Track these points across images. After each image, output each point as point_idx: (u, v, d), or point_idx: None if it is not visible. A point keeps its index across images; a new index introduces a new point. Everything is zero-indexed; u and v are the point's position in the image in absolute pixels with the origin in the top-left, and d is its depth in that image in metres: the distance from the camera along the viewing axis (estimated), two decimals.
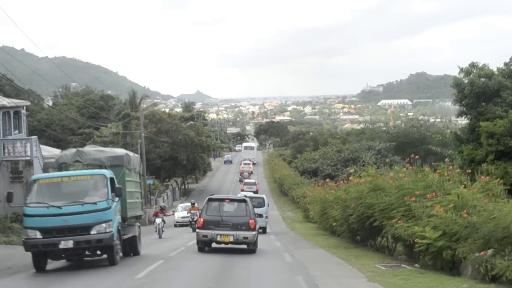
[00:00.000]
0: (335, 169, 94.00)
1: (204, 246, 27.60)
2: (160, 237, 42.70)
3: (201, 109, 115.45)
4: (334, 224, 36.32)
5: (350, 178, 32.87)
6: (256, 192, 75.05)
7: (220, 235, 26.60)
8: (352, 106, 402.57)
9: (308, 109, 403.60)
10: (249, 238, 26.78)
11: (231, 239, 26.66)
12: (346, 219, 30.88)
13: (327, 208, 39.16)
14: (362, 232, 30.14)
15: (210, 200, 27.91)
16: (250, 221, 26.90)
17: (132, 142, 65.09)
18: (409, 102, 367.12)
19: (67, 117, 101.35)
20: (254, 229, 26.99)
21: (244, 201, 27.97)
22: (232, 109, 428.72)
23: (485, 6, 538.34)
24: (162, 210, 46.26)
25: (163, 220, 44.36)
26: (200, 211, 29.75)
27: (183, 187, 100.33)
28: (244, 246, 27.80)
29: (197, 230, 27.27)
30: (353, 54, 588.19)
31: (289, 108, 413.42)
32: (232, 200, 28.31)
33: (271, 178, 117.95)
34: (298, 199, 76.67)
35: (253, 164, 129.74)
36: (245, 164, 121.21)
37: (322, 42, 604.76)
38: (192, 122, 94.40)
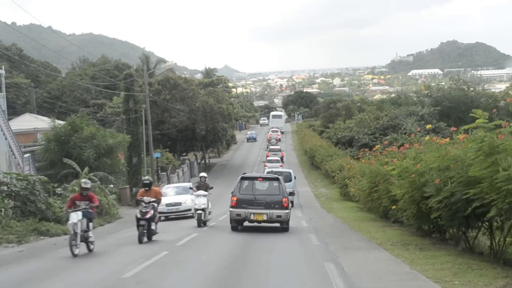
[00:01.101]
0: (372, 138, 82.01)
1: (238, 225, 27.12)
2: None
3: (223, 76, 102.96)
4: (393, 207, 24.65)
5: (427, 138, 21.12)
6: (281, 158, 71.01)
7: (254, 213, 26.01)
8: (382, 77, 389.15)
9: (337, 81, 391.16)
10: (282, 216, 26.09)
11: (265, 217, 26.06)
12: (415, 201, 20.24)
13: (381, 184, 27.35)
14: (451, 221, 18.36)
15: (243, 178, 27.16)
16: (284, 199, 26.22)
17: (136, 108, 53.52)
18: (440, 72, 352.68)
19: (79, 88, 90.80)
20: (287, 208, 26.26)
21: (277, 179, 27.13)
22: (260, 82, 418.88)
23: None
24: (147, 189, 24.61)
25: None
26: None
27: (203, 161, 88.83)
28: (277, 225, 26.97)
29: (231, 209, 26.54)
30: (382, 25, 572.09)
31: (318, 80, 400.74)
32: (265, 179, 27.71)
33: (300, 151, 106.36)
34: (333, 173, 64.97)
35: (281, 133, 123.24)
36: (273, 132, 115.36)
37: (350, 13, 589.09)
38: (211, 88, 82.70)
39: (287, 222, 26.65)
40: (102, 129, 51.98)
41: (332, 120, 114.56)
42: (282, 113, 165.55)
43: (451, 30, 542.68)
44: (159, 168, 63.55)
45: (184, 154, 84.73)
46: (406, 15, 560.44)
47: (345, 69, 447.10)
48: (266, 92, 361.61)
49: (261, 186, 27.22)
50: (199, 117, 78.16)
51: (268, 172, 47.58)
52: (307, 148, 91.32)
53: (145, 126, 54.95)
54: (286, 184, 39.41)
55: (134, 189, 50.67)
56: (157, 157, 60.09)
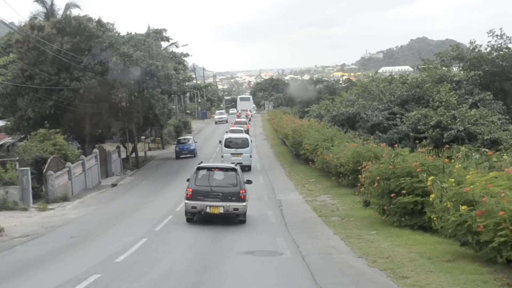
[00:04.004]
0: (387, 115, 51.44)
1: (193, 217, 24.62)
2: None
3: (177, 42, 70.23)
4: None
5: None
6: (247, 131, 64.16)
7: (210, 206, 23.85)
8: (352, 74, 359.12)
9: (306, 78, 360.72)
10: (239, 209, 24.06)
11: (221, 210, 23.88)
12: None
13: None
14: None
15: (198, 168, 24.97)
16: (241, 191, 24.17)
17: None
18: (411, 69, 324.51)
19: None
20: (244, 200, 24.27)
21: (234, 169, 25.10)
22: (227, 80, 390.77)
23: None
24: None
25: None
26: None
27: (133, 154, 56.60)
28: None
29: (186, 201, 24.32)
30: (349, 24, 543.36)
31: (287, 78, 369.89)
32: (221, 169, 25.60)
33: (275, 140, 75.31)
34: (342, 167, 34.23)
35: (250, 117, 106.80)
36: (242, 111, 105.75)
37: (317, 13, 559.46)
38: (141, 37, 50.52)
39: (244, 214, 24.42)
40: None
41: (312, 103, 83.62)
42: (250, 96, 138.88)
43: (420, 28, 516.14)
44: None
45: (99, 143, 52.44)
46: (374, 14, 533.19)
47: (314, 67, 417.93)
48: (234, 88, 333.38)
49: (218, 176, 24.97)
50: (117, 79, 46.30)
51: (226, 139, 47.38)
52: (288, 132, 59.30)
53: None
54: (243, 149, 46.23)
55: None
56: None
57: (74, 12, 53.61)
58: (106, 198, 36.89)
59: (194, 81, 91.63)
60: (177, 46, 68.10)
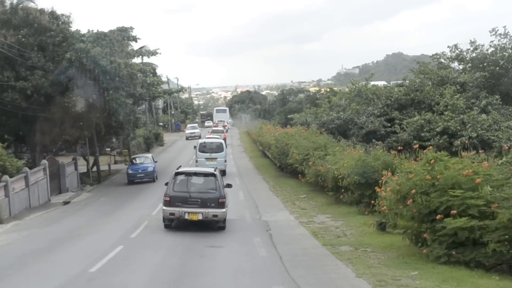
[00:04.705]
0: (384, 121, 44.69)
1: (171, 223, 23.45)
2: None
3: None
4: None
5: None
6: (224, 140, 53.30)
7: (188, 213, 22.59)
8: (328, 89, 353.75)
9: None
10: (218, 216, 22.77)
11: (200, 217, 22.62)
12: None
13: None
14: None
15: (177, 174, 23.62)
16: (220, 197, 22.90)
17: None
18: (387, 84, 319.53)
19: None
20: (224, 206, 22.94)
21: (213, 175, 23.65)
22: (203, 96, 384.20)
23: None
24: None
25: None
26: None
27: (94, 168, 48.84)
28: None
29: (164, 208, 23.07)
30: (326, 40, 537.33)
31: (263, 93, 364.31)
32: (200, 174, 24.10)
33: (254, 152, 68.02)
34: (342, 179, 27.13)
35: (227, 130, 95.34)
36: (219, 121, 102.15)
37: (293, 29, 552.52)
38: (101, 31, 42.97)
39: (224, 221, 23.22)
40: None
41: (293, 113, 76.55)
42: (226, 108, 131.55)
43: (395, 44, 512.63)
44: None
45: (49, 152, 44.60)
46: (350, 30, 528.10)
47: (290, 82, 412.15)
48: (209, 104, 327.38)
49: (197, 182, 23.62)
50: (72, 79, 38.92)
51: (200, 143, 46.28)
52: (270, 141, 51.65)
53: None
54: (218, 154, 44.48)
55: None
56: None
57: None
58: (50, 219, 29.38)
59: (166, 86, 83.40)
60: (148, 55, 60.07)
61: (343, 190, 27.32)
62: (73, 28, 42.58)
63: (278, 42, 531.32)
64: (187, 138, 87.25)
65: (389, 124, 44.20)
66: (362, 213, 26.65)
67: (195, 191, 23.07)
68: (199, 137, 79.73)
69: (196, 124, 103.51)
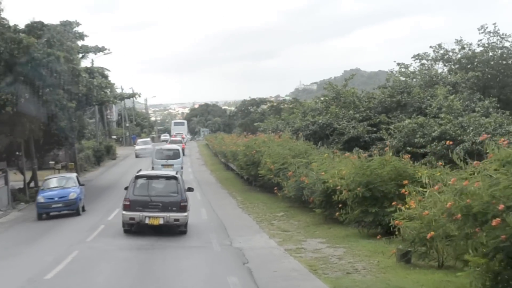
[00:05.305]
0: (368, 126, 38.59)
1: (131, 228, 22.17)
2: None
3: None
4: None
5: None
6: (182, 150, 52.96)
7: (149, 217, 21.56)
8: (293, 99, 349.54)
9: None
10: (180, 220, 21.82)
11: (161, 221, 21.60)
12: None
13: None
14: None
15: (137, 177, 22.68)
16: (182, 201, 21.92)
17: None
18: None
19: None
20: (185, 210, 21.98)
21: (175, 178, 22.83)
22: (161, 112, 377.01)
23: (410, 7, 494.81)
24: None
25: None
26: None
27: (33, 183, 41.21)
28: None
29: (123, 212, 21.94)
30: (283, 56, 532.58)
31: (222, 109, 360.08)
32: (161, 177, 23.45)
33: (215, 165, 61.08)
34: (337, 193, 20.42)
35: (185, 143, 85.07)
36: (177, 133, 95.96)
37: (250, 46, 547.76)
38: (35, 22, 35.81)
39: (185, 225, 22.30)
40: None
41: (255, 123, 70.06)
42: (184, 121, 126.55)
43: (353, 60, 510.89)
44: None
45: None
46: (307, 47, 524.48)
47: (249, 98, 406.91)
48: (167, 120, 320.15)
49: (158, 185, 22.83)
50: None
51: (157, 150, 45.83)
52: (237, 149, 44.30)
53: None
54: (174, 161, 42.95)
55: None
56: None
57: None
58: None
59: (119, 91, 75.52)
60: (94, 51, 52.86)
61: (340, 206, 20.65)
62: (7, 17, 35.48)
63: (236, 59, 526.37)
64: (137, 156, 70.78)
65: (374, 130, 37.99)
66: (365, 236, 20.21)
67: (156, 195, 22.18)
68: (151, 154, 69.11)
69: (149, 139, 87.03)
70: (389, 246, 16.70)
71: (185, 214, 21.97)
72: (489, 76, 44.56)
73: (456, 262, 14.60)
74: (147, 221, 21.53)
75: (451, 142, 25.33)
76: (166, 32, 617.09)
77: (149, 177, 23.14)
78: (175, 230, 21.93)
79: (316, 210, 24.10)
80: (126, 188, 22.61)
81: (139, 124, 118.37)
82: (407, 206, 16.02)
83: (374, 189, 19.63)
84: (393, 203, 16.85)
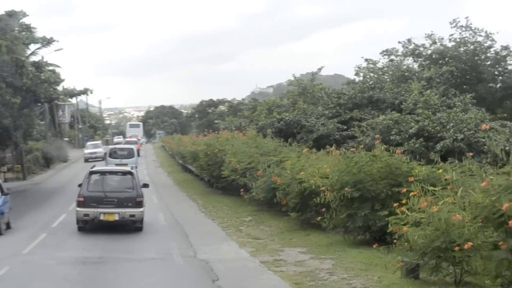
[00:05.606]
0: (338, 123, 35.75)
1: (85, 225, 21.43)
2: None
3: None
4: None
5: None
6: (138, 151, 52.70)
7: (104, 213, 20.98)
8: (252, 99, 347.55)
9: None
10: (136, 216, 21.19)
11: (116, 217, 21.03)
12: None
13: None
14: None
15: (91, 173, 22.13)
16: (137, 196, 21.30)
17: None
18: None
19: None
20: (141, 205, 21.36)
21: (130, 173, 22.39)
22: (115, 115, 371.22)
23: (364, 12, 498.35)
24: None
25: None
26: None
27: None
28: None
29: (77, 209, 21.28)
30: (240, 60, 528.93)
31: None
32: (116, 173, 23.00)
33: (173, 167, 57.72)
34: (318, 195, 17.42)
35: (140, 144, 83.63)
36: (133, 135, 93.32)
37: (207, 50, 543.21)
38: None
39: (141, 221, 21.56)
40: None
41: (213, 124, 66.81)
42: (140, 123, 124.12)
43: (309, 65, 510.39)
44: None
45: None
46: (264, 51, 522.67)
47: (205, 101, 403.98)
48: (122, 123, 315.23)
49: (112, 181, 22.31)
50: None
51: (111, 149, 46.42)
52: (197, 148, 40.50)
53: None
54: (129, 160, 41.87)
55: None
56: None
57: None
58: None
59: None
60: (42, 42, 48.55)
61: (323, 210, 17.60)
62: None
63: (193, 62, 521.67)
64: (86, 160, 62.38)
65: (345, 127, 35.18)
66: (351, 244, 17.28)
67: (111, 191, 21.68)
68: (102, 159, 59.34)
69: (100, 142, 76.97)
70: (386, 257, 13.75)
71: (141, 209, 21.41)
72: (458, 74, 42.28)
73: (479, 277, 11.84)
74: (102, 217, 20.99)
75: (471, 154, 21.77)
76: (123, 35, 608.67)
77: (104, 173, 22.69)
78: (130, 227, 21.16)
79: (291, 214, 21.01)
80: (80, 185, 21.81)
81: (93, 126, 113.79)
82: (413, 208, 13.22)
83: (364, 189, 16.69)
84: (395, 205, 13.89)
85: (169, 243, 19.09)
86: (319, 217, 17.93)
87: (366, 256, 15.09)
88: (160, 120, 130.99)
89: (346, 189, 16.49)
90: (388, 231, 13.94)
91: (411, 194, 14.15)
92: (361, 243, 17.22)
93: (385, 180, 16.77)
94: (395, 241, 13.49)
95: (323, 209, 17.56)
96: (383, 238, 16.64)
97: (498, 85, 44.14)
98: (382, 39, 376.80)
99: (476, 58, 42.98)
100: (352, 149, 18.31)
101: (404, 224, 12.89)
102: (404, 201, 14.56)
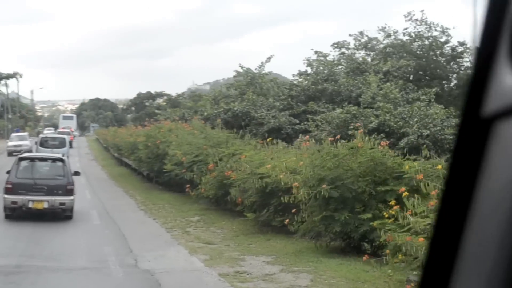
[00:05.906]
0: (289, 116, 32.77)
1: (13, 213, 20.53)
2: None
3: None
4: None
5: None
6: (70, 142, 53.07)
7: (33, 201, 20.22)
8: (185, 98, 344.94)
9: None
10: (66, 204, 20.50)
11: (46, 205, 20.28)
12: None
13: None
14: None
15: (21, 159, 21.74)
16: (68, 184, 20.69)
17: None
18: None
19: None
20: (72, 193, 20.76)
21: (61, 160, 21.66)
22: (48, 108, 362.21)
23: (299, 13, 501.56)
24: None
25: None
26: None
27: None
28: None
29: (5, 196, 20.44)
30: (177, 56, 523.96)
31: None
32: (46, 159, 22.58)
33: (108, 160, 53.94)
34: (291, 195, 14.41)
35: (74, 136, 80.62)
36: (66, 127, 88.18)
37: (146, 43, 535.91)
38: None
39: (71, 209, 20.83)
40: None
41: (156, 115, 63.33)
42: (74, 115, 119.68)
43: (245, 63, 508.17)
44: None
45: None
46: (201, 47, 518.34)
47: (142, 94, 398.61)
48: (55, 116, 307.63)
49: (43, 168, 21.88)
50: None
51: (42, 138, 45.55)
52: (136, 140, 36.66)
53: None
54: (60, 150, 38.05)
55: None
56: None
57: None
58: None
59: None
60: None
61: (294, 211, 14.66)
62: None
63: (129, 56, 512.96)
64: (10, 154, 53.44)
65: (297, 121, 32.43)
66: (325, 252, 14.47)
67: (40, 178, 21.14)
68: (30, 151, 48.32)
69: (26, 134, 67.22)
70: (378, 271, 10.99)
71: (72, 198, 20.84)
72: (412, 70, 40.18)
73: None
74: (30, 205, 20.27)
75: None
76: (59, 26, 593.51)
77: (34, 159, 22.27)
78: (60, 216, 20.30)
79: (247, 215, 18.01)
80: (8, 172, 21.05)
81: (24, 117, 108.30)
82: (410, 211, 10.67)
83: (343, 187, 13.88)
84: (395, 206, 11.15)
85: (104, 248, 15.87)
86: (287, 220, 15.02)
87: (349, 270, 12.28)
88: (95, 113, 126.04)
89: (323, 186, 13.62)
90: (381, 240, 11.27)
91: (404, 194, 11.86)
92: (334, 250, 14.45)
93: (368, 177, 14.05)
94: (388, 252, 10.88)
95: (294, 211, 14.65)
96: (359, 245, 14.06)
97: (453, 83, 42.27)
98: (315, 41, 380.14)
99: (432, 53, 40.96)
100: (305, 143, 15.65)
101: (405, 231, 10.31)
102: (392, 202, 12.24)
